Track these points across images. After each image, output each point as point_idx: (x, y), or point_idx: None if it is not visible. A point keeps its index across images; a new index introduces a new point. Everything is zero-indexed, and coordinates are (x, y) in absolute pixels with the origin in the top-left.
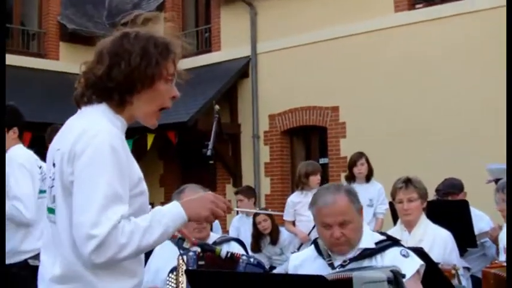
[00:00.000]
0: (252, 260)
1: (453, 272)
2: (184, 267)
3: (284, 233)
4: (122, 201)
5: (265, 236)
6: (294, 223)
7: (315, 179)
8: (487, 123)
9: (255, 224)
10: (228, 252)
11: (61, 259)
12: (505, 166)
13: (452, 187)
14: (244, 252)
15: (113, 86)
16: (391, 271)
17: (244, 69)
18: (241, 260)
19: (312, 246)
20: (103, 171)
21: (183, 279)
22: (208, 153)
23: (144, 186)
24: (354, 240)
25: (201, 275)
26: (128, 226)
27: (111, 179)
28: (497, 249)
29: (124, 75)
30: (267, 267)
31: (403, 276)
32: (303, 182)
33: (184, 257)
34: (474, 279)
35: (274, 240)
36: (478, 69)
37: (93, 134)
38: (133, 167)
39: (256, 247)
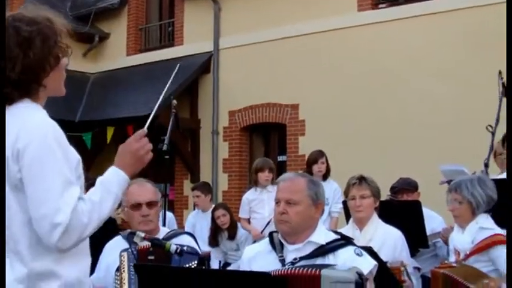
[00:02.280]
0: (185, 248)
1: (402, 269)
2: (125, 264)
3: (241, 229)
4: (73, 184)
5: (223, 230)
6: (249, 220)
7: (263, 175)
8: (442, 125)
9: (213, 219)
10: (177, 247)
11: (19, 258)
12: (458, 167)
13: (407, 185)
14: (195, 246)
15: (26, 77)
16: (357, 273)
17: (206, 65)
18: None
19: (267, 239)
20: (51, 161)
21: (125, 275)
22: (164, 148)
23: (81, 169)
24: (296, 225)
25: (150, 269)
26: (85, 205)
27: (60, 166)
28: (448, 250)
29: (34, 62)
30: (222, 263)
31: (366, 279)
32: (254, 179)
33: (125, 253)
34: (425, 279)
35: (232, 235)
36: (438, 70)
37: (32, 127)
38: (72, 151)
39: (214, 241)
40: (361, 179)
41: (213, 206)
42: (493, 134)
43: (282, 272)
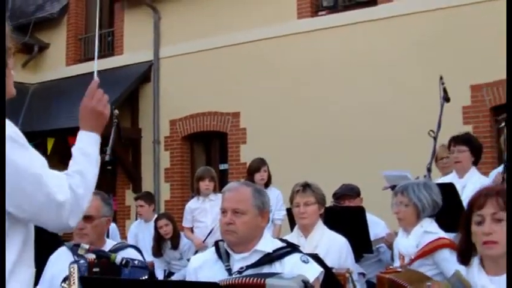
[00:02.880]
0: (136, 262)
1: (347, 275)
2: (75, 276)
3: (184, 238)
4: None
5: (166, 240)
6: (192, 229)
7: (203, 184)
8: (384, 130)
9: (156, 229)
10: (123, 259)
11: None
12: (401, 173)
13: (349, 190)
14: (140, 258)
15: None
16: (303, 281)
17: (146, 74)
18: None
19: (213, 248)
20: (24, 156)
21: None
22: (107, 158)
23: None
24: (243, 235)
25: (95, 281)
26: (73, 178)
27: (32, 155)
28: (392, 254)
29: None
30: (166, 272)
31: (312, 286)
32: (196, 188)
33: (75, 265)
34: (370, 284)
35: (175, 245)
36: (379, 76)
37: None
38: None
39: (158, 251)
40: (306, 186)
41: (156, 215)
42: (435, 139)
43: (229, 282)
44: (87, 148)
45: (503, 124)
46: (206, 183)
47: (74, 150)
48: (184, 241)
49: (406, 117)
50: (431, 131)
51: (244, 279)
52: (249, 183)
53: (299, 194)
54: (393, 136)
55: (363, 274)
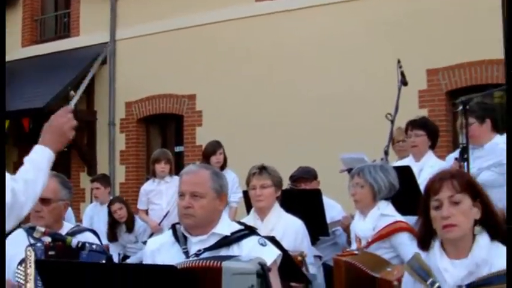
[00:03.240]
0: (94, 246)
1: (299, 258)
2: (32, 259)
3: (139, 221)
4: None
5: (120, 224)
6: (147, 212)
7: (159, 166)
8: (341, 113)
9: (110, 213)
10: (79, 242)
11: None
12: (358, 155)
13: (305, 173)
14: (97, 242)
15: None
16: (259, 263)
17: (102, 56)
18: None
19: (170, 231)
20: None
21: (31, 271)
22: None
23: None
24: (201, 218)
25: (50, 264)
26: (18, 184)
27: None
28: (349, 237)
29: None
30: (121, 256)
31: (269, 269)
32: (152, 170)
33: (32, 249)
34: (326, 267)
35: (130, 229)
36: (337, 59)
37: None
38: None
39: (113, 236)
40: (262, 169)
41: (111, 199)
42: (392, 122)
43: (186, 265)
44: (39, 162)
45: (460, 108)
46: (162, 166)
47: (26, 159)
48: (139, 224)
49: (363, 100)
50: (388, 114)
51: (201, 262)
52: (207, 165)
53: (255, 177)
54: (351, 119)
55: (319, 257)
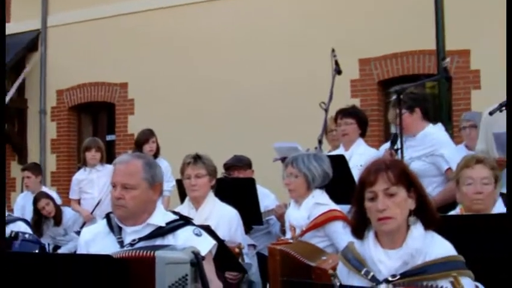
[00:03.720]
0: (27, 236)
1: (237, 250)
2: None
3: (67, 213)
4: None
5: (48, 219)
6: (79, 201)
7: (89, 154)
8: (275, 102)
9: (36, 210)
10: (12, 232)
11: None
12: (291, 144)
13: (239, 162)
14: (30, 231)
15: None
16: (193, 252)
17: (33, 43)
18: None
19: (104, 221)
20: None
21: None
22: None
23: None
24: (132, 209)
25: None
26: None
27: None
28: (283, 226)
29: None
30: (51, 246)
31: (203, 258)
32: (83, 158)
33: None
34: (259, 256)
35: (58, 222)
36: (271, 46)
37: None
38: None
39: (38, 232)
40: (196, 158)
41: (42, 188)
42: (326, 111)
43: (120, 255)
44: None
45: (394, 97)
46: (92, 154)
47: None
48: (67, 216)
49: (297, 89)
50: (322, 102)
51: (134, 252)
52: (141, 155)
53: (190, 166)
54: (284, 108)
55: (254, 246)
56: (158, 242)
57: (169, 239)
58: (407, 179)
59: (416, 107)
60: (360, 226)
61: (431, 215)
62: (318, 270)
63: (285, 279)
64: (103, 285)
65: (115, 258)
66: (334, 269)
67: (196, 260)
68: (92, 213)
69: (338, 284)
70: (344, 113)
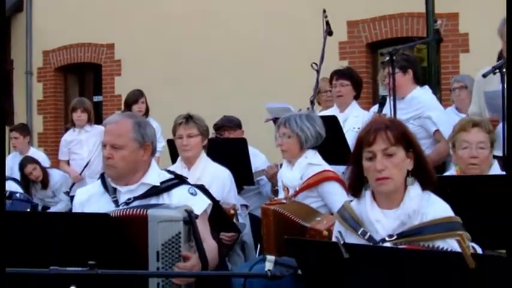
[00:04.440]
0: (18, 195)
1: (232, 212)
2: None
3: (55, 176)
4: None
5: (36, 183)
6: (68, 162)
7: (76, 115)
8: (267, 63)
9: (24, 176)
10: (6, 191)
11: None
12: (283, 105)
13: (229, 122)
14: (21, 190)
15: None
16: (186, 211)
17: (18, 3)
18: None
19: (99, 181)
20: None
21: None
22: None
23: None
24: (122, 169)
25: None
26: None
27: None
28: (273, 187)
29: None
30: (40, 206)
31: (196, 216)
32: (71, 119)
33: None
34: (251, 217)
35: (45, 185)
36: (263, 7)
37: None
38: None
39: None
40: (188, 118)
41: (30, 148)
42: (318, 72)
43: (114, 213)
44: None
45: (387, 58)
46: (78, 114)
47: None
48: (55, 179)
49: (290, 49)
50: (314, 63)
51: (126, 210)
52: (131, 114)
53: (182, 126)
54: (276, 69)
55: (246, 206)
56: (153, 201)
57: (164, 198)
58: (406, 139)
59: (409, 68)
60: (357, 185)
61: (429, 176)
62: (312, 231)
63: (286, 237)
64: (98, 244)
65: (110, 217)
66: (328, 230)
67: (190, 219)
68: (80, 174)
69: (342, 242)
70: (339, 74)
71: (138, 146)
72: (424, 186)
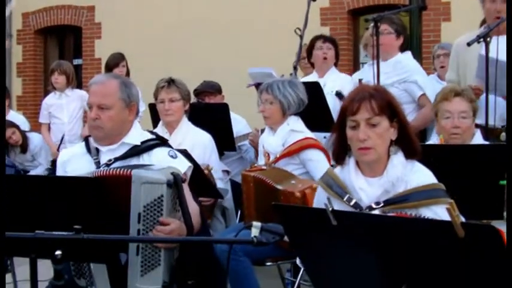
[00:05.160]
0: None
1: (206, 172)
2: None
3: (34, 140)
4: None
5: (15, 146)
6: (49, 126)
7: (53, 78)
8: (249, 27)
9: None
10: None
11: None
12: (266, 70)
13: (209, 87)
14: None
15: None
16: (172, 173)
17: None
18: None
19: (83, 143)
20: None
21: None
22: None
23: None
24: (109, 129)
25: None
26: None
27: None
28: (256, 152)
29: None
30: (20, 169)
31: (184, 180)
32: (50, 82)
33: None
34: (232, 183)
35: (24, 149)
36: None
37: None
38: None
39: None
40: (170, 82)
41: (10, 112)
42: (301, 37)
43: (98, 173)
44: None
45: (372, 24)
46: (56, 76)
47: None
48: (34, 143)
49: (273, 14)
50: (297, 28)
51: (111, 170)
52: (116, 75)
53: (164, 90)
54: (260, 33)
55: (227, 171)
56: (134, 161)
57: (144, 159)
58: (390, 109)
59: (402, 34)
60: (340, 152)
61: (413, 146)
62: (285, 193)
63: (274, 203)
64: (83, 206)
65: (92, 178)
66: (302, 193)
67: (175, 181)
68: (58, 149)
69: (330, 209)
70: (326, 37)
71: (124, 106)
72: (408, 156)
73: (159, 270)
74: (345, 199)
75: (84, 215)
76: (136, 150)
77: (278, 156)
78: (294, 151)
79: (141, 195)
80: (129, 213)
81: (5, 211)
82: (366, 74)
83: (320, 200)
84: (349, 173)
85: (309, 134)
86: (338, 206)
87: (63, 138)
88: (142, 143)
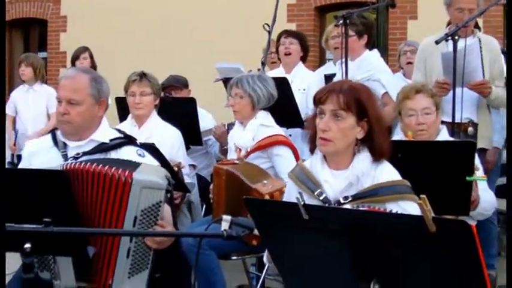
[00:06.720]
0: None
1: (176, 169)
2: None
3: None
4: None
5: None
6: (15, 118)
7: (20, 70)
8: (218, 22)
9: None
10: None
11: None
12: (234, 65)
13: (175, 82)
14: None
15: None
16: (165, 176)
17: None
18: None
19: (49, 135)
20: None
21: None
22: None
23: None
24: (77, 125)
25: None
26: None
27: None
28: (222, 147)
29: None
30: None
31: (173, 184)
32: (18, 75)
33: None
34: (198, 177)
35: None
36: None
37: None
38: None
39: None
40: (142, 76)
41: None
42: (270, 33)
43: (72, 167)
44: None
45: (340, 22)
46: (22, 68)
47: None
48: None
49: (241, 10)
50: (266, 24)
51: (108, 168)
52: (88, 69)
53: (135, 83)
54: (228, 28)
55: (194, 166)
56: (102, 156)
57: (111, 155)
58: (359, 108)
59: (365, 33)
60: (314, 140)
61: (380, 148)
62: (255, 193)
63: (246, 197)
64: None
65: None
66: (271, 195)
67: (169, 185)
68: (14, 144)
69: (302, 203)
70: (289, 32)
71: (94, 101)
72: (373, 156)
73: (146, 272)
74: (316, 193)
75: (52, 208)
76: (105, 148)
77: (249, 150)
78: (263, 146)
79: (140, 200)
80: (95, 209)
81: None
82: (332, 70)
83: (291, 193)
84: (316, 165)
85: (278, 129)
86: (308, 199)
87: (17, 135)
88: (110, 140)
